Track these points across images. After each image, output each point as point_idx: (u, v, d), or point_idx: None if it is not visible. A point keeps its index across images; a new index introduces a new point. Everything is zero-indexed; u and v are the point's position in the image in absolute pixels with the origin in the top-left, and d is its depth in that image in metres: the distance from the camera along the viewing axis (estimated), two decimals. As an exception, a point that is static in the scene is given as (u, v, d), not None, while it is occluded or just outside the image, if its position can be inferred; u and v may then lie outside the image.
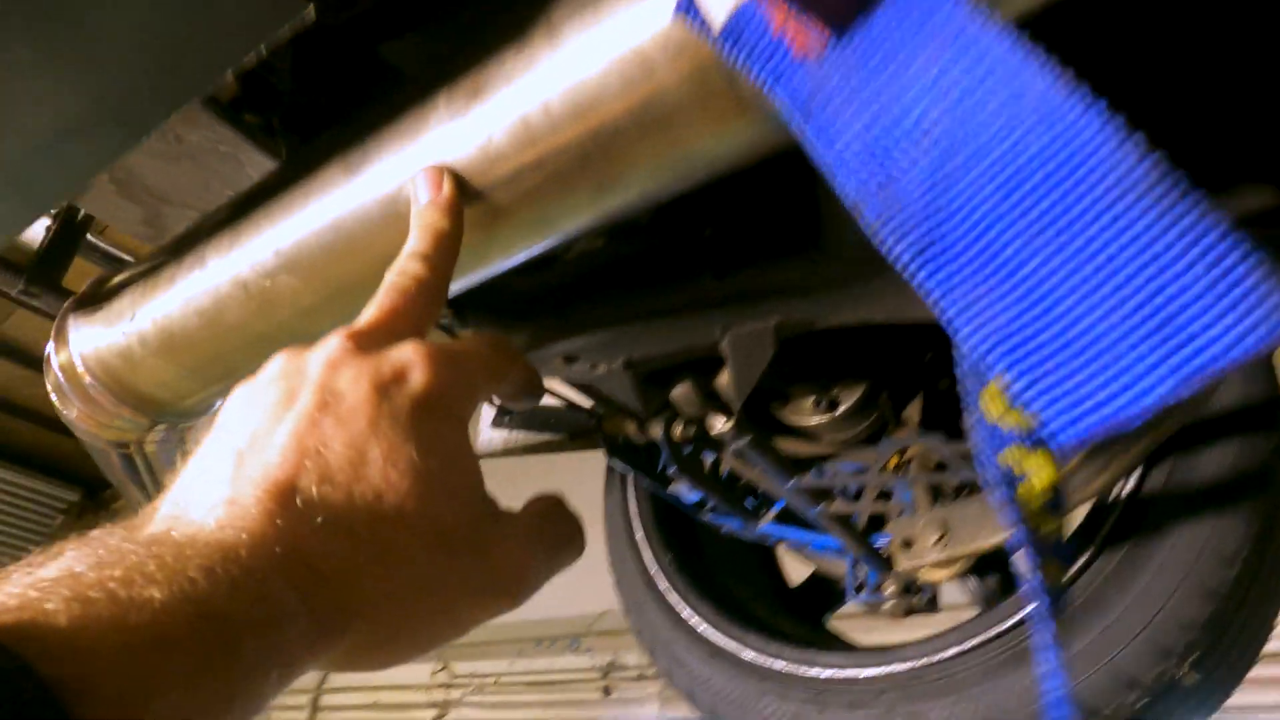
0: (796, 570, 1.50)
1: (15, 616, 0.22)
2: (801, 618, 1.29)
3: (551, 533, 0.39)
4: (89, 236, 1.41)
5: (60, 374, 0.76)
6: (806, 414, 1.07)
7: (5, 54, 0.41)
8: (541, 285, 0.69)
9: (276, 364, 0.36)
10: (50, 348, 0.79)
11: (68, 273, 1.25)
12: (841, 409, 1.05)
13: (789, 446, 1.04)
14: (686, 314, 0.67)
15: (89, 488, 5.30)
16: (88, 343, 0.71)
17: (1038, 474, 0.34)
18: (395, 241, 0.50)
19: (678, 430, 1.00)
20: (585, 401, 1.45)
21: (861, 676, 0.92)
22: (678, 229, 0.66)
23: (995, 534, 0.81)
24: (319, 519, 0.30)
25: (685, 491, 1.15)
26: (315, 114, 0.69)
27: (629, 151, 0.42)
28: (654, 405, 0.80)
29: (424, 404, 0.34)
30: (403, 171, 0.48)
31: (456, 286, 0.57)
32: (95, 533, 0.28)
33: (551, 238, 0.50)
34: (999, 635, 0.85)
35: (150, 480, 1.20)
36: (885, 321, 0.71)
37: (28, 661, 0.21)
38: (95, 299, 0.73)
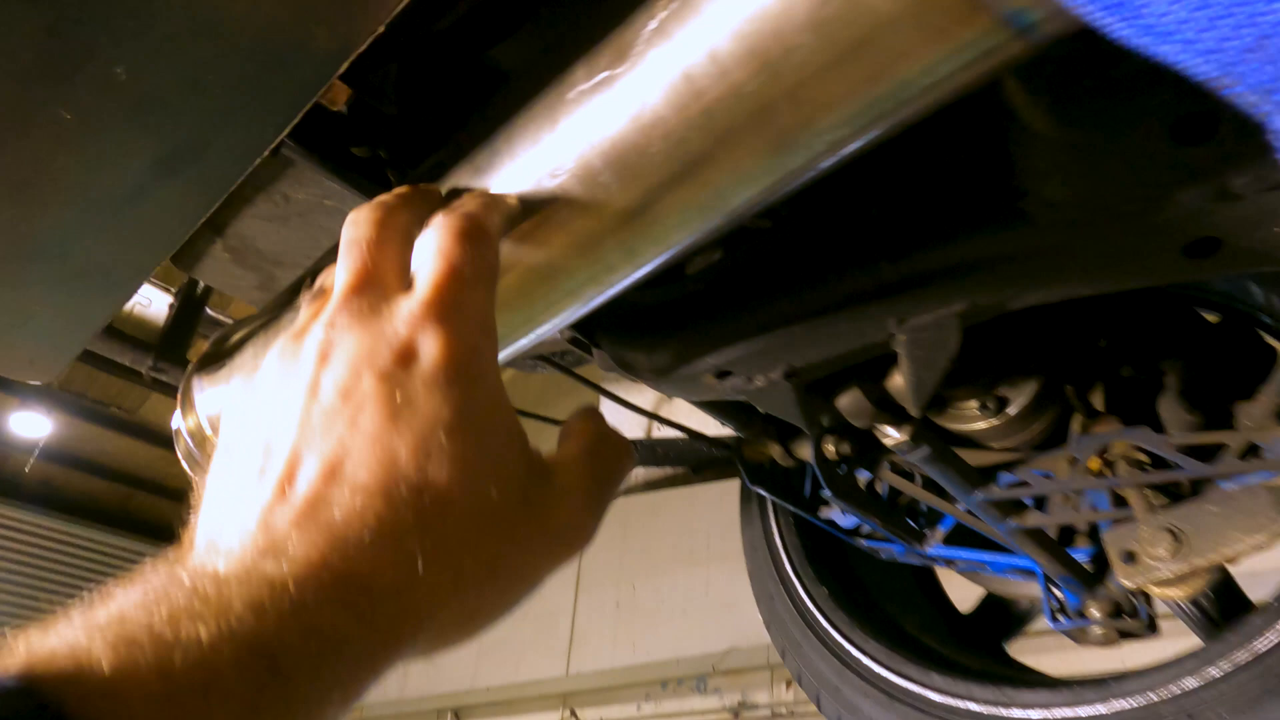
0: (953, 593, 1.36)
1: (60, 663, 0.22)
2: (979, 648, 1.16)
3: (601, 469, 0.37)
4: (209, 311, 1.43)
5: (189, 439, 0.72)
6: (971, 419, 0.95)
7: (100, 78, 0.37)
8: (677, 296, 0.61)
9: (272, 360, 0.34)
10: (177, 415, 0.76)
11: (191, 350, 1.26)
12: (1013, 409, 0.93)
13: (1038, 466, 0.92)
14: (854, 309, 0.58)
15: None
16: (214, 403, 0.67)
17: None
18: (542, 243, 0.44)
19: (829, 448, 0.90)
20: (711, 429, 1.37)
21: (1081, 717, 0.79)
22: (836, 212, 0.57)
23: (1246, 539, 0.68)
24: (365, 536, 0.28)
25: (838, 516, 1.05)
26: (423, 139, 0.65)
27: (821, 91, 0.34)
28: (818, 418, 0.71)
29: (441, 379, 0.31)
30: (542, 163, 0.41)
31: (596, 302, 0.50)
32: (143, 570, 0.26)
33: (715, 221, 0.42)
34: (1253, 661, 0.71)
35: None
36: (1094, 293, 0.60)
37: (68, 712, 0.20)
38: (217, 358, 0.69)
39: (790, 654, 1.10)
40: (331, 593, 0.27)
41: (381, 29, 0.36)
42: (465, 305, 0.33)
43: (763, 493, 1.01)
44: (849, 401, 0.67)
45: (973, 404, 0.95)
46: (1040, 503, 0.83)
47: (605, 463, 0.37)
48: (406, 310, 0.32)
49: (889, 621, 1.07)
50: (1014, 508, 0.81)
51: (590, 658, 5.33)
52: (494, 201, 0.38)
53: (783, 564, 1.14)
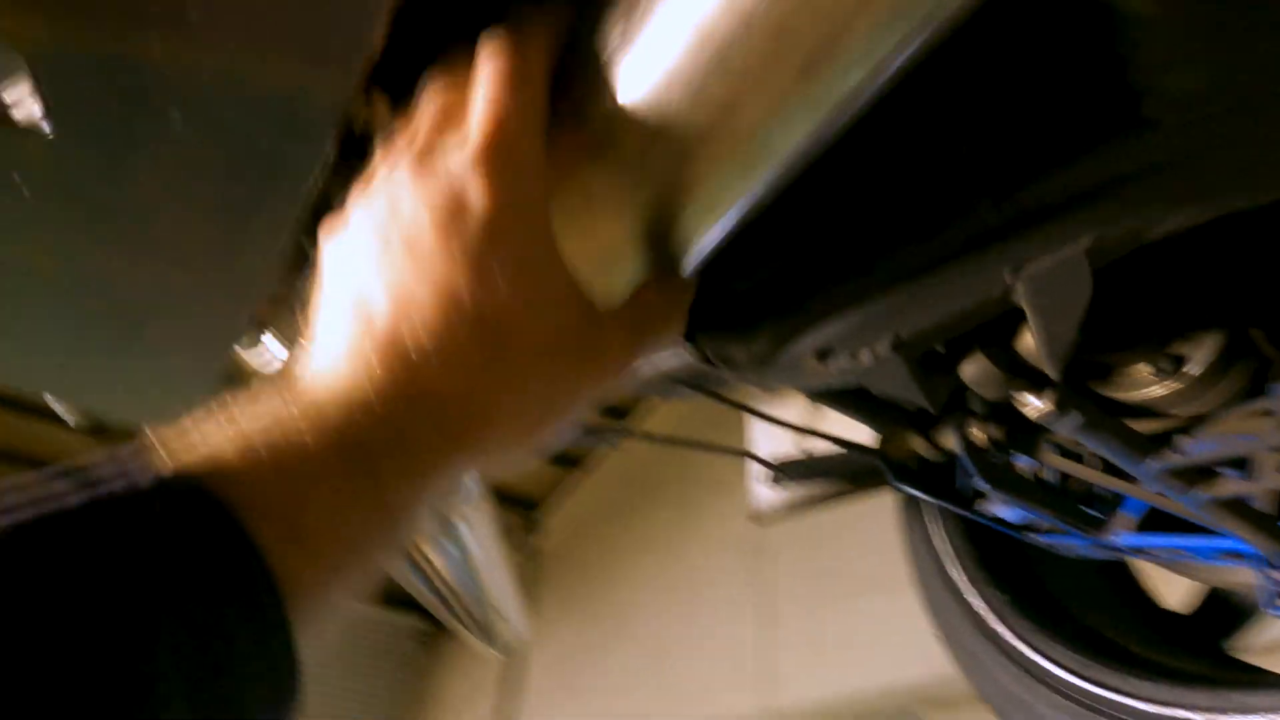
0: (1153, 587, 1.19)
1: (202, 459, 0.29)
2: (1194, 650, 1.00)
3: (651, 321, 0.43)
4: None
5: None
6: (1145, 384, 0.84)
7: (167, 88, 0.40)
8: (769, 278, 0.58)
9: (354, 217, 0.39)
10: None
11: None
12: (1197, 367, 0.81)
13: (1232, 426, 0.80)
14: (958, 262, 0.52)
15: (431, 615, 5.82)
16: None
17: None
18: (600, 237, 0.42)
19: (976, 432, 0.82)
20: (864, 437, 1.29)
21: (1328, 720, 0.66)
22: (922, 159, 0.52)
23: None
24: (435, 361, 0.34)
25: (1001, 510, 0.95)
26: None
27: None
28: (942, 395, 0.64)
29: (495, 223, 0.35)
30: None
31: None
32: (257, 394, 0.33)
33: (764, 176, 0.39)
34: None
35: (440, 582, 1.22)
36: (1253, 204, 0.51)
37: (210, 489, 0.28)
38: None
39: (971, 669, 1.00)
40: (410, 405, 0.34)
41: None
42: (512, 152, 0.36)
43: (913, 492, 0.93)
44: (974, 370, 0.60)
45: (1143, 368, 0.83)
46: (1241, 466, 0.71)
47: (651, 318, 0.44)
48: (460, 161, 0.36)
49: (1081, 625, 0.95)
50: (1204, 477, 0.70)
51: (789, 693, 5.15)
52: (537, 38, 0.39)
53: (946, 570, 1.04)
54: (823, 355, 0.59)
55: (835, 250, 0.55)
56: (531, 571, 5.10)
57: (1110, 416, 0.66)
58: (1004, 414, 0.77)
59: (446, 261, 0.35)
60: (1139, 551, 0.87)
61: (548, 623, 4.83)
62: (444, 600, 1.32)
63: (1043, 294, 0.53)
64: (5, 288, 0.52)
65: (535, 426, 0.39)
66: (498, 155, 0.36)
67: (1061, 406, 0.62)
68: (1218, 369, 0.79)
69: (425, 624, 5.84)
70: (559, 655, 4.69)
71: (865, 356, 0.58)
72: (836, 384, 0.62)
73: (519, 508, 5.37)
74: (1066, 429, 0.64)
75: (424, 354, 0.34)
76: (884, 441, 0.95)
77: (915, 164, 0.51)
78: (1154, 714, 0.78)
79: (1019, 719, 0.92)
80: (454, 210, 0.35)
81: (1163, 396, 0.82)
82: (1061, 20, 0.45)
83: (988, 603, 0.98)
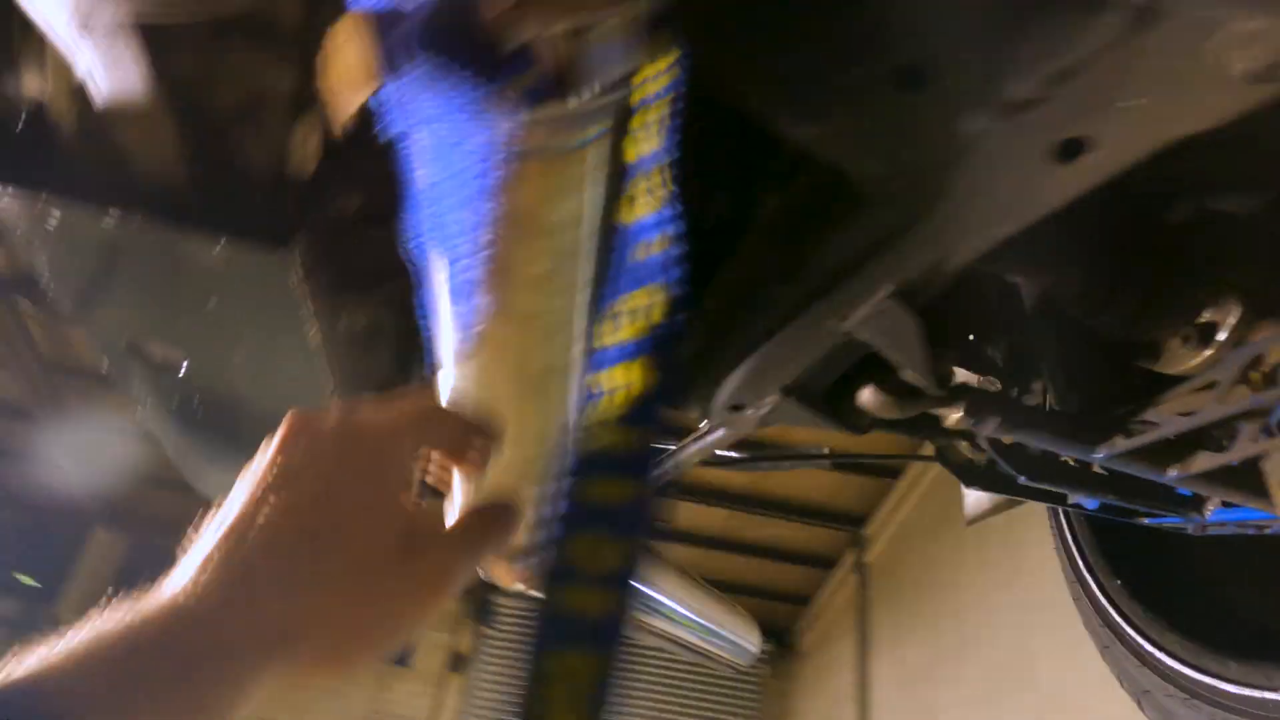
0: None
1: (35, 672, 0.33)
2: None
3: (479, 526, 0.47)
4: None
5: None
6: (1184, 357, 0.82)
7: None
8: (683, 362, 0.74)
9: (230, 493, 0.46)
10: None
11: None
12: (1225, 333, 0.78)
13: (1179, 404, 0.80)
14: (794, 322, 0.65)
15: (779, 638, 6.03)
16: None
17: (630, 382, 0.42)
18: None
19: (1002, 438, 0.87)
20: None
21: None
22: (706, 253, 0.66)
23: None
24: (256, 574, 0.40)
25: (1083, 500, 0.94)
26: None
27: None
28: (859, 424, 0.74)
29: (287, 497, 0.42)
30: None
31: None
32: (118, 608, 0.38)
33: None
34: None
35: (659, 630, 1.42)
36: (1019, 228, 0.57)
37: (43, 695, 0.32)
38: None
39: (1104, 653, 0.99)
40: (225, 613, 0.38)
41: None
42: (365, 441, 0.45)
43: (981, 491, 0.97)
44: (869, 399, 0.70)
45: (1176, 343, 0.82)
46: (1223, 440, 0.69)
47: (482, 524, 0.48)
48: (323, 434, 0.45)
49: (1205, 609, 0.90)
50: (1178, 452, 0.70)
51: None
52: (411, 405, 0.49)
53: (1075, 559, 1.03)
54: (736, 408, 0.73)
55: (707, 338, 0.70)
56: (862, 588, 5.10)
57: (1029, 413, 0.70)
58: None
59: (276, 505, 0.41)
60: (1236, 525, 0.83)
61: (885, 639, 4.79)
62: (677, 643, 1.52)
63: (878, 335, 0.63)
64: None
65: (359, 640, 0.42)
66: (288, 459, 0.44)
67: (973, 412, 0.69)
68: (1241, 332, 0.76)
69: (771, 646, 6.00)
70: (902, 670, 4.61)
71: (766, 405, 0.72)
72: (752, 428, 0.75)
73: (847, 526, 5.39)
74: (992, 431, 0.70)
75: (247, 568, 0.39)
76: (940, 449, 1.00)
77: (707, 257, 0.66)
78: (1238, 694, 0.75)
79: (1148, 707, 0.90)
80: (301, 466, 0.43)
81: (1203, 363, 0.80)
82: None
83: (1106, 591, 0.97)
